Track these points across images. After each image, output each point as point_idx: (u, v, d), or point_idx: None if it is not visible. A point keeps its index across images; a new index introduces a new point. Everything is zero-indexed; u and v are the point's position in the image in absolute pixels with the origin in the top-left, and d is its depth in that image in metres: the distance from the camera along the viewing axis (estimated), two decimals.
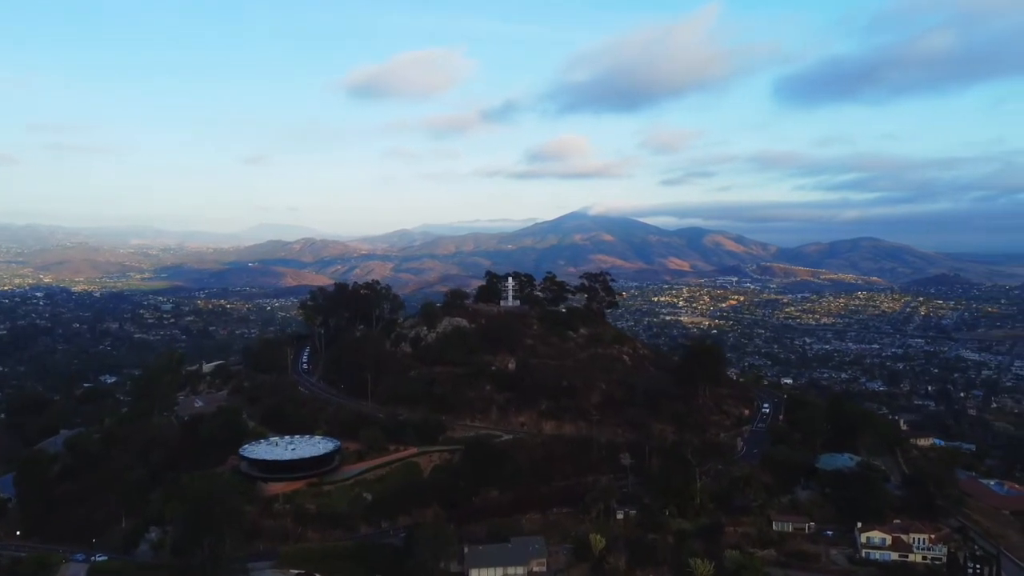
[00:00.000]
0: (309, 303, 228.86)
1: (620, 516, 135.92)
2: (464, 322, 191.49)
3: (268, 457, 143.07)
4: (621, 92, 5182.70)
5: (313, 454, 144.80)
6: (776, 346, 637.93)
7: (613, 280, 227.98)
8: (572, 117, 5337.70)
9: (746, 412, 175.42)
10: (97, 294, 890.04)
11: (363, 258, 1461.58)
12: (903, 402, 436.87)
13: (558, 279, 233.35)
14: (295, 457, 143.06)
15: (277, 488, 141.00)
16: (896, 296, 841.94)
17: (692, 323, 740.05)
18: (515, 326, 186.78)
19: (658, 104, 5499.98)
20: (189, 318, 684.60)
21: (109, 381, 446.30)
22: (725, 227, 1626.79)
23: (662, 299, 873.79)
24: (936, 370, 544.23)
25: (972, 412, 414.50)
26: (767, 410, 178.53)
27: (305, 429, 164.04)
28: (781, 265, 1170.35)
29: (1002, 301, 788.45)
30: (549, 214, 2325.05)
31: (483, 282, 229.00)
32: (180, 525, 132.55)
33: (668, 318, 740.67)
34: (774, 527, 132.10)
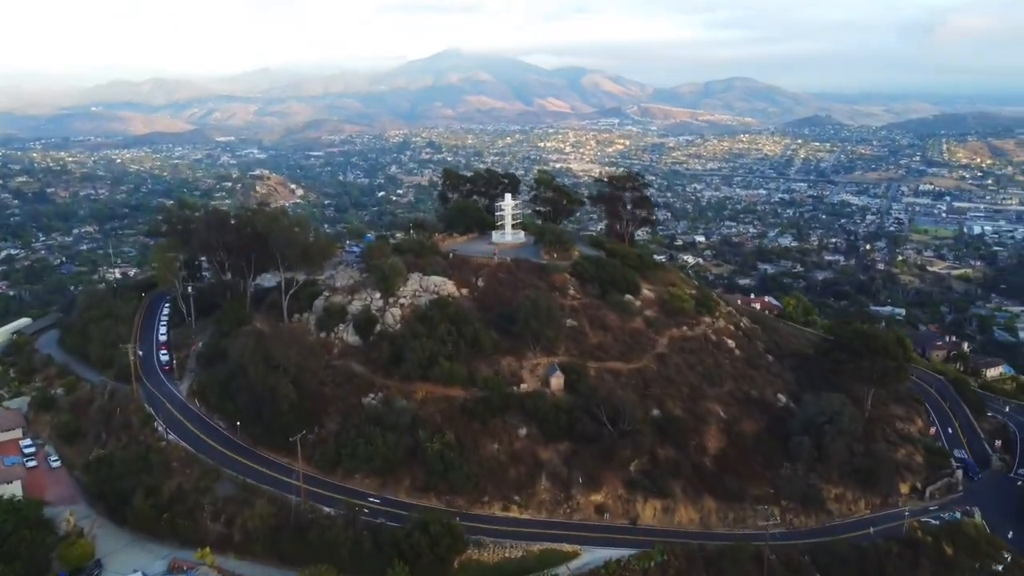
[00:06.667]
0: (163, 230, 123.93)
1: None
2: (448, 285, 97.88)
3: None
4: None
5: None
6: (670, 194, 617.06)
7: (643, 182, 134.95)
8: None
9: (932, 431, 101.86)
10: None
11: (222, 100, 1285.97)
12: (815, 258, 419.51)
13: (556, 182, 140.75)
14: None
15: None
16: (776, 139, 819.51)
17: (583, 171, 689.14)
18: (542, 295, 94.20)
19: None
20: (21, 178, 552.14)
21: None
22: (603, 66, 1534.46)
23: (548, 144, 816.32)
24: (825, 216, 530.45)
25: (881, 267, 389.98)
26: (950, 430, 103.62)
27: (177, 538, 77.96)
28: (660, 106, 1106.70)
29: (873, 143, 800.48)
30: (423, 52, 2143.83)
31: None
32: None
33: (558, 166, 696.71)
34: None
